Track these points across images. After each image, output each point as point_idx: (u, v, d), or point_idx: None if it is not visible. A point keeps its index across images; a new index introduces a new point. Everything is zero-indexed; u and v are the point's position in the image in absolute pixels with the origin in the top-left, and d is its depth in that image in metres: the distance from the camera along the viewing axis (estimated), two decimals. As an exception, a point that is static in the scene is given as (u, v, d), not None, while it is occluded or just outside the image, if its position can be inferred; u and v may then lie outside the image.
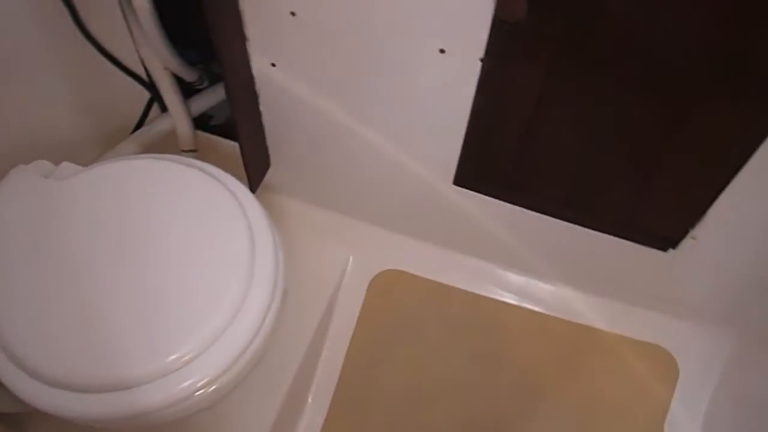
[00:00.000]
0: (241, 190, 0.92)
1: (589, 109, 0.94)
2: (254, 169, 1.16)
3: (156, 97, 1.21)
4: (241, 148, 1.10)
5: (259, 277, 0.83)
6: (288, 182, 1.33)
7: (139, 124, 1.25)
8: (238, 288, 0.81)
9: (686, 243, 1.08)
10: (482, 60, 0.90)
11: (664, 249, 1.11)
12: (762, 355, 1.11)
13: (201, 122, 1.25)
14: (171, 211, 0.88)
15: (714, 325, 1.23)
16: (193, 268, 0.83)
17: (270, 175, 1.28)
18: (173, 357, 0.75)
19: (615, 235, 1.11)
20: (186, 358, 0.75)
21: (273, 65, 1.04)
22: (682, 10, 0.76)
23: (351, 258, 1.32)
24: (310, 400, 1.20)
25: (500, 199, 1.15)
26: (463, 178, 1.13)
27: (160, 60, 1.07)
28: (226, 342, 0.77)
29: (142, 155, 0.98)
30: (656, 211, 1.05)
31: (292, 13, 0.93)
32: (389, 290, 1.32)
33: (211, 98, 1.22)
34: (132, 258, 0.84)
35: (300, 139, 1.18)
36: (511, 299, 1.31)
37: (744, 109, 0.84)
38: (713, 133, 0.89)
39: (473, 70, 0.92)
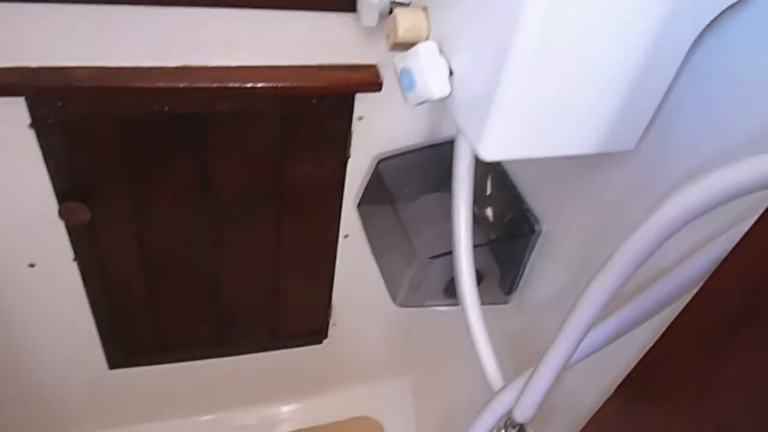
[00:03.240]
0: None
1: (191, 258, 1.04)
2: None
3: None
4: None
5: None
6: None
7: None
8: None
9: (332, 329, 1.26)
10: (75, 260, 0.95)
11: (319, 342, 1.27)
12: (432, 392, 1.33)
13: None
14: None
15: (392, 378, 1.43)
16: None
17: None
18: None
19: (271, 349, 1.24)
20: None
21: None
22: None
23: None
24: None
25: (163, 362, 1.19)
26: (116, 361, 1.14)
27: None
28: None
29: None
30: (295, 317, 1.21)
31: None
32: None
33: None
34: None
35: None
36: None
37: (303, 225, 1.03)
38: (299, 246, 1.07)
39: (72, 274, 0.96)
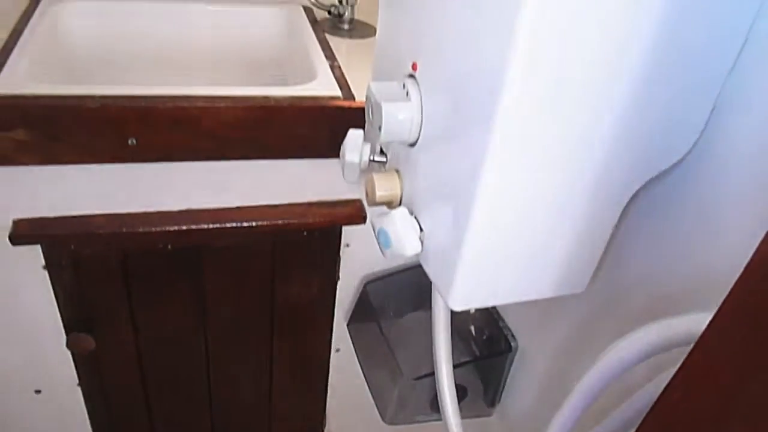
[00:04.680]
0: None
1: (192, 373, 1.09)
2: None
3: None
4: None
5: None
6: None
7: None
8: None
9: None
10: (79, 385, 1.00)
11: (315, 450, 1.30)
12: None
13: None
14: None
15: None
16: None
17: None
18: None
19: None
20: None
21: None
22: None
23: None
24: None
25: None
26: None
27: None
28: None
29: None
30: (290, 427, 1.24)
31: None
32: None
33: None
34: None
35: None
36: None
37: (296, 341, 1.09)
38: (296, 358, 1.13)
39: (76, 397, 1.01)
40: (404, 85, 0.61)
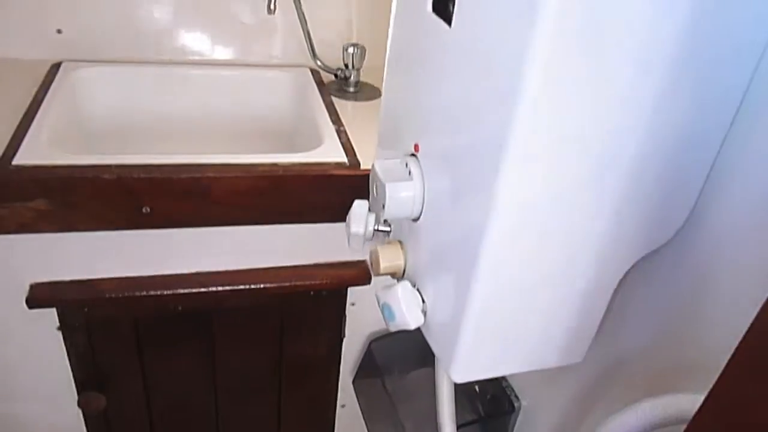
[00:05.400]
0: None
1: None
2: None
3: None
4: None
5: None
6: None
7: None
8: None
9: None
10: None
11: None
12: None
13: None
14: None
15: None
16: None
17: None
18: None
19: None
20: None
21: None
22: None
23: None
24: None
25: None
26: None
27: None
28: None
29: None
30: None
31: None
32: None
33: None
34: None
35: None
36: None
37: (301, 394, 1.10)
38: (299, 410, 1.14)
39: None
40: (406, 164, 0.64)
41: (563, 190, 0.52)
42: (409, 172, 0.63)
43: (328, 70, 1.16)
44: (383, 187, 0.62)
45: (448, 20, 0.54)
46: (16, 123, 0.87)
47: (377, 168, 0.64)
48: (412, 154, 0.64)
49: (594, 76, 0.46)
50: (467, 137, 0.53)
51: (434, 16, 0.56)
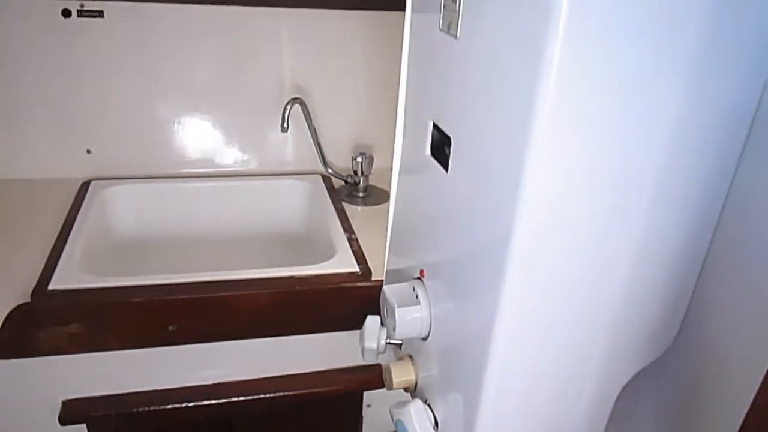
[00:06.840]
0: None
1: None
2: None
3: None
4: None
5: None
6: None
7: None
8: None
9: None
10: None
11: None
12: None
13: None
14: None
15: None
16: None
17: None
18: None
19: None
20: None
21: None
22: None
23: None
24: None
25: None
26: None
27: None
28: None
29: None
30: None
31: None
32: None
33: None
34: None
35: None
36: None
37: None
38: None
39: None
40: (414, 288, 0.69)
41: (562, 309, 0.56)
42: (417, 296, 0.68)
43: (338, 176, 1.23)
44: (393, 311, 0.67)
45: (445, 165, 0.61)
46: (51, 245, 0.94)
47: (387, 293, 0.69)
48: (418, 278, 0.69)
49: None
50: (468, 269, 0.59)
51: (432, 160, 0.63)
